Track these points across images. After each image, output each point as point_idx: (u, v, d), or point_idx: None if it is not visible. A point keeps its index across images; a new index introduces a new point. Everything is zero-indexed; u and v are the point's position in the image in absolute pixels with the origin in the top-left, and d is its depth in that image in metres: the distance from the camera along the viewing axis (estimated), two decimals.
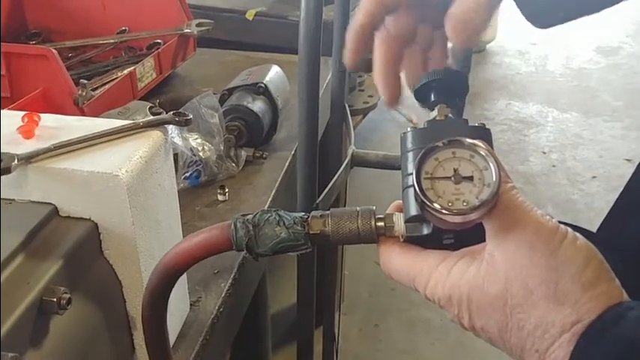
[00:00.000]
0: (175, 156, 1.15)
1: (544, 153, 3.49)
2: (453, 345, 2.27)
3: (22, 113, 0.74)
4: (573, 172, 3.31)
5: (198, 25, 1.57)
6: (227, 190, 1.19)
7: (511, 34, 4.83)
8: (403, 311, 2.41)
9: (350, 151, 1.32)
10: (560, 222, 0.48)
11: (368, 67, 0.62)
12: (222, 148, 1.23)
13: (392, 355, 2.25)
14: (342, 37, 1.40)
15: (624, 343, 0.43)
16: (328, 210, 0.55)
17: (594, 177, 3.25)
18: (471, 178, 0.48)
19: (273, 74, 1.43)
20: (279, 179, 1.25)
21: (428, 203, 0.48)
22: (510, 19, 5.07)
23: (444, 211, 0.48)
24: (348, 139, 1.47)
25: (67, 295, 0.61)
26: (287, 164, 1.30)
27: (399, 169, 0.53)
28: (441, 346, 2.28)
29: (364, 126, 2.58)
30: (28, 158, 0.67)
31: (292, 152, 1.33)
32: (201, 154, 1.20)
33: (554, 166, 3.37)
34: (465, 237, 0.50)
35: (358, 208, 0.54)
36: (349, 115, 1.49)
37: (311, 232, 0.54)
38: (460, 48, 0.56)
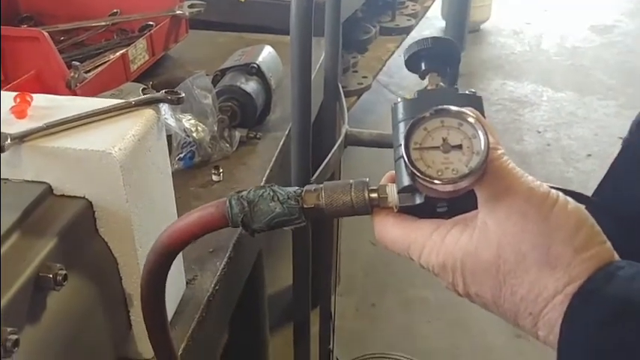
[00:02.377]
0: (169, 137, 1.15)
1: (539, 132, 3.50)
2: (450, 323, 2.29)
3: (15, 94, 0.74)
4: (568, 151, 3.32)
5: (190, 6, 1.57)
6: (221, 170, 1.19)
7: (505, 13, 4.82)
8: (399, 290, 2.43)
9: (343, 130, 1.32)
10: (554, 188, 0.49)
11: None
12: (215, 128, 1.23)
13: (389, 334, 2.27)
14: (334, 17, 1.40)
15: (615, 301, 0.43)
16: (321, 184, 0.56)
17: (589, 155, 3.26)
18: (459, 147, 0.49)
19: (266, 54, 1.43)
20: (273, 159, 1.26)
21: (418, 173, 0.48)
22: None
23: (433, 181, 0.48)
24: (342, 119, 1.47)
25: (63, 272, 0.61)
26: (281, 144, 1.31)
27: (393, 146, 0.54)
28: (437, 324, 2.30)
29: (359, 107, 2.58)
30: (21, 137, 0.67)
31: (286, 132, 1.33)
32: (194, 135, 1.21)
33: (549, 145, 3.38)
34: (458, 205, 0.51)
35: (351, 181, 0.55)
36: (342, 95, 1.49)
37: (305, 206, 0.54)
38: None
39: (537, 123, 3.58)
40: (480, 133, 0.48)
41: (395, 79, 3.82)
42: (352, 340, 2.20)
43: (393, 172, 0.54)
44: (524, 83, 4.00)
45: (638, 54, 4.35)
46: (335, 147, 1.28)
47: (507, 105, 3.75)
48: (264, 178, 1.20)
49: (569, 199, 0.48)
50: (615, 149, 0.77)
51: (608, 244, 0.47)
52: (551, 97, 3.85)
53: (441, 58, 0.56)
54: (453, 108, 0.50)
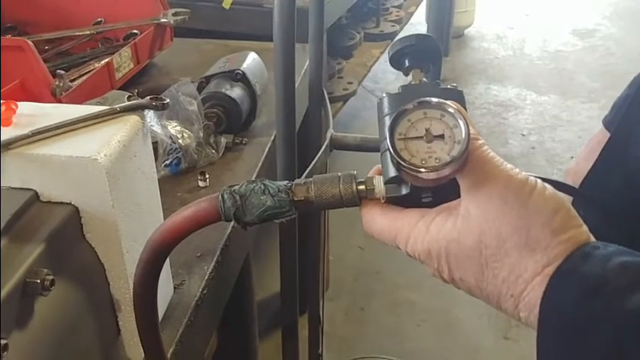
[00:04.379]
0: (155, 144, 1.15)
1: (523, 135, 3.53)
2: (438, 325, 2.31)
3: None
4: (552, 154, 3.36)
5: (174, 14, 1.58)
6: (208, 176, 1.20)
7: (489, 18, 4.86)
8: (388, 294, 2.44)
9: (329, 135, 1.33)
10: (540, 179, 0.50)
11: None
12: (201, 135, 1.24)
13: (378, 337, 2.28)
14: (317, 24, 1.41)
15: (590, 280, 0.45)
16: (311, 177, 0.57)
17: (573, 157, 3.29)
18: (442, 137, 0.50)
19: (251, 61, 1.44)
20: (259, 164, 1.26)
21: (402, 162, 0.50)
22: (487, 4, 5.11)
23: (418, 169, 0.50)
24: (327, 125, 1.48)
25: (51, 277, 0.61)
26: (267, 150, 1.31)
27: (379, 150, 0.55)
28: (426, 327, 2.31)
29: (345, 113, 2.60)
30: (7, 145, 0.68)
31: (272, 138, 1.34)
32: (180, 141, 1.21)
33: (533, 147, 3.42)
34: (442, 194, 0.53)
35: (339, 174, 0.56)
36: (327, 101, 1.50)
37: (295, 198, 0.56)
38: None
39: (522, 126, 3.62)
40: (461, 123, 0.50)
41: (380, 85, 3.85)
42: (341, 344, 2.21)
43: (380, 165, 0.56)
44: (508, 87, 4.04)
45: (619, 57, 4.41)
46: (320, 151, 1.29)
47: (492, 109, 3.78)
48: None
49: (547, 185, 0.49)
50: None
51: (585, 227, 0.49)
52: (534, 101, 3.89)
53: (424, 55, 0.58)
54: (435, 99, 0.51)
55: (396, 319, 2.35)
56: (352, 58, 2.61)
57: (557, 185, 0.51)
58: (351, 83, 2.44)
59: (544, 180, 0.50)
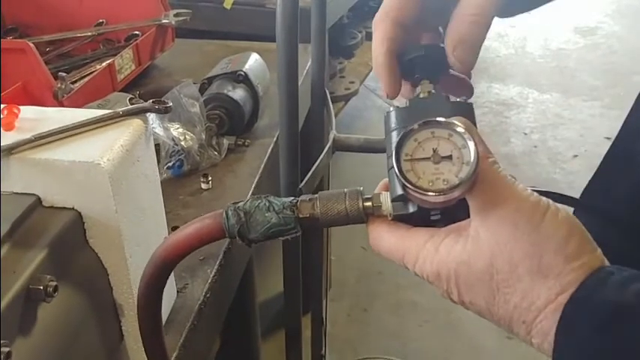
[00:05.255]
0: (157, 146, 1.15)
1: (525, 134, 3.53)
2: (441, 326, 2.30)
3: (2, 106, 0.74)
4: (554, 152, 3.35)
5: (175, 15, 1.57)
6: (210, 178, 1.19)
7: None
8: (391, 295, 2.44)
9: (331, 136, 1.33)
10: (541, 192, 0.49)
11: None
12: (203, 137, 1.23)
13: (381, 338, 2.27)
14: (319, 24, 1.41)
15: (607, 307, 0.44)
16: (315, 194, 0.56)
17: (575, 156, 3.29)
18: (449, 157, 0.49)
19: (253, 62, 1.43)
20: (262, 166, 1.26)
21: (409, 185, 0.49)
22: None
23: (425, 192, 0.49)
24: (329, 125, 1.48)
25: (54, 283, 0.61)
26: (269, 151, 1.31)
27: (382, 151, 0.54)
28: (429, 328, 2.31)
29: (347, 113, 2.60)
30: (9, 150, 0.67)
31: (274, 139, 1.33)
32: (183, 143, 1.21)
33: (535, 146, 3.41)
34: (452, 213, 0.51)
35: (345, 190, 0.55)
36: (330, 101, 1.50)
37: (300, 215, 0.54)
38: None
39: (524, 125, 3.61)
40: (470, 144, 0.49)
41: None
42: (344, 345, 2.21)
43: (387, 180, 0.54)
44: (510, 86, 4.04)
45: (621, 55, 4.40)
46: (323, 153, 1.28)
47: (494, 107, 3.78)
48: (252, 185, 1.20)
49: (560, 207, 0.48)
50: (601, 149, 0.78)
51: (599, 251, 0.47)
52: (536, 99, 3.88)
53: (434, 65, 0.56)
54: (442, 119, 0.50)
55: (399, 320, 2.34)
56: (354, 57, 2.60)
57: (558, 197, 0.50)
58: (353, 83, 2.43)
59: (543, 194, 0.49)
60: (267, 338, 1.85)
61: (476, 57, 0.54)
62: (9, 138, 0.69)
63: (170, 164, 1.21)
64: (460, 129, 0.49)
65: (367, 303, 2.42)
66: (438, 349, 2.22)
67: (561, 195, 0.52)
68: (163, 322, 0.85)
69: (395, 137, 0.52)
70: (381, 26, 0.57)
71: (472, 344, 2.23)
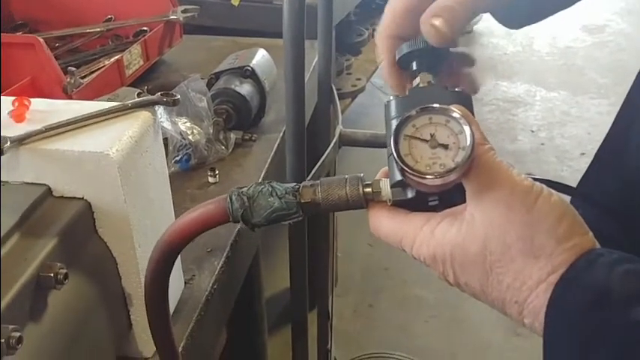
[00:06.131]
0: (165, 140, 1.16)
1: (533, 132, 3.52)
2: (447, 321, 2.31)
3: (13, 98, 0.75)
4: (562, 150, 3.35)
5: (183, 11, 1.58)
6: (217, 172, 1.20)
7: None
8: (397, 290, 2.45)
9: (338, 131, 1.34)
10: (538, 179, 0.50)
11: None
12: (211, 131, 1.24)
13: (387, 333, 2.28)
14: (326, 20, 1.41)
15: (595, 288, 0.45)
16: (318, 180, 0.57)
17: (583, 154, 3.28)
18: (446, 143, 0.50)
19: (260, 57, 1.44)
20: (269, 160, 1.27)
21: (407, 169, 0.50)
22: None
23: (422, 176, 0.50)
24: (336, 121, 1.48)
25: (64, 271, 0.62)
26: (276, 146, 1.32)
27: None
28: (435, 322, 2.31)
29: (353, 110, 2.60)
30: (20, 140, 0.68)
31: (281, 134, 1.34)
32: (190, 137, 1.22)
33: (542, 144, 3.41)
34: (449, 198, 0.53)
35: (346, 176, 0.57)
36: (336, 97, 1.51)
37: (302, 200, 0.56)
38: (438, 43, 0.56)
39: (531, 122, 3.61)
40: (466, 129, 0.50)
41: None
42: (350, 340, 2.22)
43: (387, 167, 0.56)
44: (517, 83, 4.03)
45: (629, 53, 4.38)
46: (329, 147, 1.29)
47: (501, 105, 3.77)
48: (259, 179, 1.20)
49: (553, 191, 0.49)
50: None
51: (590, 234, 0.49)
52: (544, 97, 3.88)
53: (433, 57, 0.58)
54: (438, 105, 0.51)
55: (405, 316, 2.35)
56: (361, 54, 2.61)
57: (554, 185, 0.51)
58: (359, 79, 2.43)
59: (539, 180, 0.50)
60: (273, 333, 1.86)
61: (453, 31, 0.54)
62: (20, 129, 0.70)
63: (178, 158, 1.22)
64: (457, 114, 0.51)
65: (373, 298, 2.42)
66: (444, 344, 2.22)
67: (557, 183, 0.53)
68: (171, 313, 0.86)
69: (394, 125, 0.53)
70: (382, 42, 0.60)
71: (478, 340, 2.23)
